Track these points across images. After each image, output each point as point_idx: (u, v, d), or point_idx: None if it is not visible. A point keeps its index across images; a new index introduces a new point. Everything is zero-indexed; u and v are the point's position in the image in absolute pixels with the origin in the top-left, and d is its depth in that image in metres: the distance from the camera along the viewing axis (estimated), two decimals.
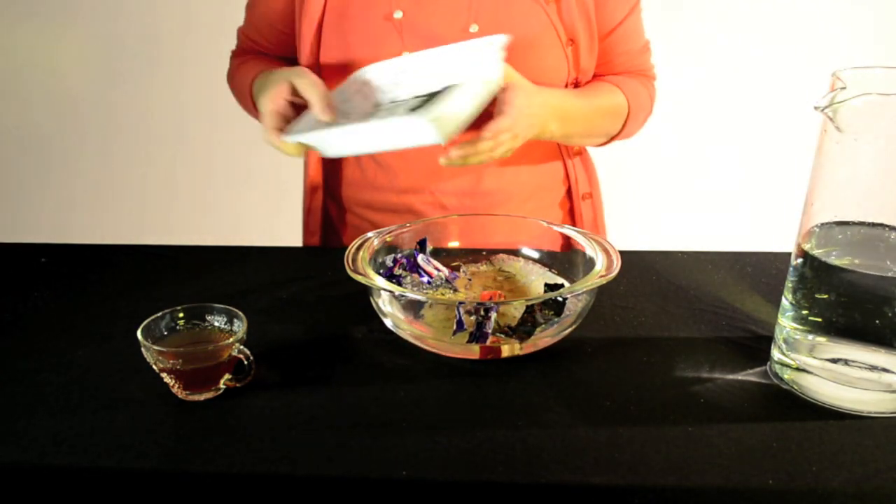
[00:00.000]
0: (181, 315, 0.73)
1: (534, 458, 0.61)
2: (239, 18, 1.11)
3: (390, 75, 0.93)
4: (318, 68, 0.98)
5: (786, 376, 0.71)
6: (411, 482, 0.59)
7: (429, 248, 0.89)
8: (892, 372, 0.66)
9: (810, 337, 0.69)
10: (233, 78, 1.10)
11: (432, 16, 0.95)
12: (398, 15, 0.94)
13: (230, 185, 2.26)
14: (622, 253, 0.81)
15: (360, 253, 0.81)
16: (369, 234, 0.86)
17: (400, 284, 0.84)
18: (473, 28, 0.95)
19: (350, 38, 0.95)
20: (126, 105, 2.18)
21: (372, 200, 1.08)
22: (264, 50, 1.10)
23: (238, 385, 0.69)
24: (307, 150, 0.91)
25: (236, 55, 1.13)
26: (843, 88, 0.62)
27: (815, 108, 0.64)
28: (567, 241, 0.88)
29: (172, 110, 2.19)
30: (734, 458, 0.61)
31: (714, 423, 0.66)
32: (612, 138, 1.07)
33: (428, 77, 0.90)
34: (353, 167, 1.09)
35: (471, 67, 0.87)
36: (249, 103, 1.04)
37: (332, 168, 1.11)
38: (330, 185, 1.12)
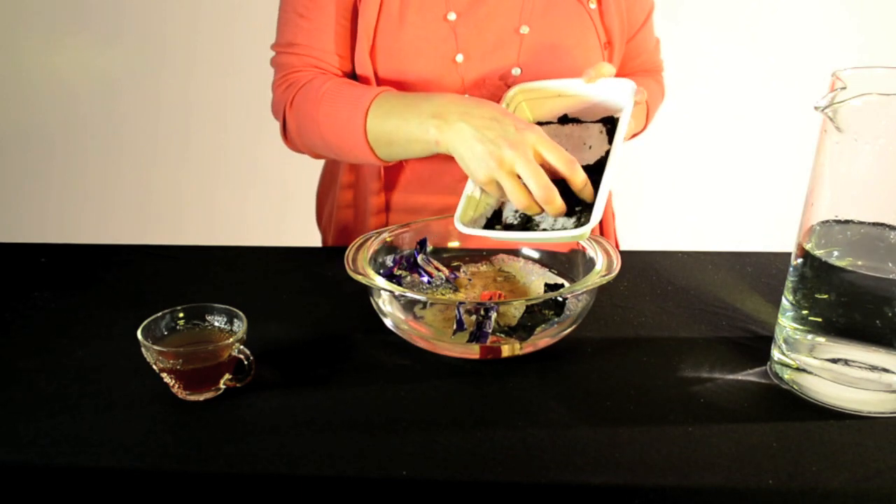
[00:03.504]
0: (181, 315, 0.73)
1: (534, 458, 0.61)
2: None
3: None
4: (373, 74, 0.97)
5: (786, 376, 0.71)
6: (411, 482, 0.59)
7: (429, 248, 0.89)
8: (892, 372, 0.66)
9: (810, 337, 0.69)
10: (317, 99, 0.91)
11: (485, 17, 0.96)
12: (452, 17, 0.95)
13: (231, 186, 2.26)
14: (622, 253, 0.81)
15: (360, 253, 0.81)
16: (369, 234, 0.86)
17: (400, 284, 0.84)
18: (524, 29, 0.97)
19: (405, 40, 0.95)
20: (127, 105, 2.18)
21: (416, 204, 1.06)
22: (325, 58, 0.97)
23: (238, 385, 0.69)
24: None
25: (289, 78, 0.96)
26: (843, 88, 0.62)
27: (815, 108, 0.64)
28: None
29: (173, 110, 2.19)
30: (734, 458, 0.61)
31: (714, 423, 0.66)
32: (634, 135, 1.12)
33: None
34: (420, 172, 1.04)
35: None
36: (358, 132, 0.87)
37: (392, 175, 1.05)
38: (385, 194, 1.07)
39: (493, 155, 0.75)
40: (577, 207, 0.78)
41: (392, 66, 0.96)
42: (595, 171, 0.80)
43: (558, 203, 0.76)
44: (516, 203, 0.76)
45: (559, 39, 0.99)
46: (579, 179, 0.76)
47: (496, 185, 0.77)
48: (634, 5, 1.05)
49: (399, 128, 0.84)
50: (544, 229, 0.78)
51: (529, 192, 0.75)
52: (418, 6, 0.95)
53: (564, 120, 0.89)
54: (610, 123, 0.86)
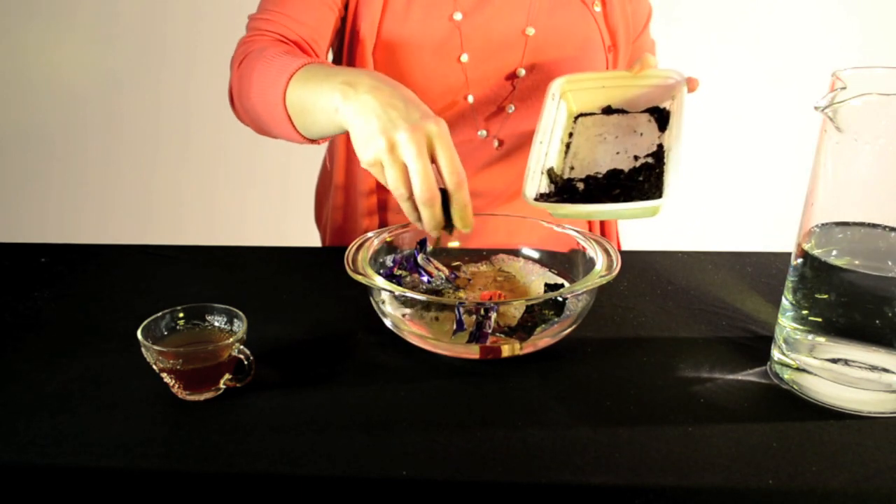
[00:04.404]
0: (181, 315, 0.73)
1: (534, 458, 0.61)
2: (245, 17, 1.05)
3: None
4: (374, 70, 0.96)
5: (786, 376, 0.71)
6: (411, 482, 0.59)
7: (429, 247, 0.89)
8: (892, 372, 0.66)
9: (810, 337, 0.69)
10: (258, 58, 0.87)
11: (491, 18, 0.96)
12: (458, 16, 0.95)
13: (231, 186, 2.26)
14: (622, 253, 0.81)
15: (360, 253, 0.81)
16: (369, 234, 0.86)
17: (400, 284, 0.84)
18: (530, 31, 0.97)
19: (409, 39, 0.95)
20: (127, 105, 2.18)
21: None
22: (299, 29, 0.94)
23: (238, 385, 0.69)
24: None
25: (253, 40, 0.93)
26: (843, 88, 0.62)
27: (815, 108, 0.64)
28: (567, 240, 0.88)
29: (172, 110, 2.19)
30: (734, 458, 0.61)
31: (714, 423, 0.66)
32: None
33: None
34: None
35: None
36: (278, 95, 0.82)
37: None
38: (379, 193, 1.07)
39: (385, 133, 0.68)
40: (617, 191, 0.79)
41: (394, 63, 0.96)
42: (656, 158, 0.81)
43: (437, 212, 0.69)
44: (393, 192, 0.70)
45: (564, 41, 0.99)
46: (461, 196, 0.69)
47: (380, 168, 0.70)
48: (638, 8, 1.05)
49: (312, 93, 0.78)
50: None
51: (410, 188, 0.69)
52: (424, 4, 0.95)
53: (609, 111, 0.90)
54: (657, 113, 0.87)
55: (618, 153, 0.85)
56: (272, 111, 0.84)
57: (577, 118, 0.92)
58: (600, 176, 0.83)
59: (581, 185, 0.83)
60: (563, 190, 0.83)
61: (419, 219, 0.73)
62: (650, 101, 0.89)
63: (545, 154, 0.86)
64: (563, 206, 0.78)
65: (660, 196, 0.74)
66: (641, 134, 0.86)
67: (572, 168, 0.86)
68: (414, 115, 0.69)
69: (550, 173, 0.84)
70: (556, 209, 0.78)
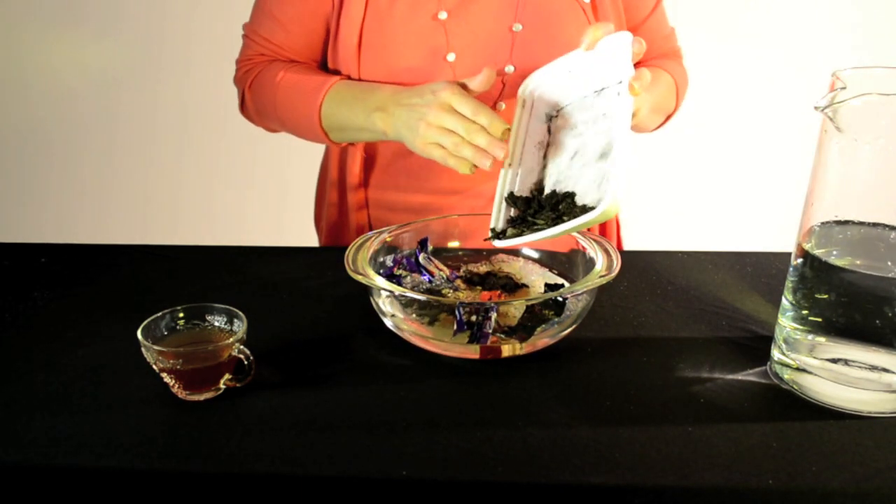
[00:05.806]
0: (181, 315, 0.73)
1: (534, 458, 0.61)
2: (243, 17, 1.07)
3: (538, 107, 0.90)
4: (357, 71, 0.97)
5: (786, 376, 0.71)
6: (411, 482, 0.59)
7: (429, 247, 0.89)
8: (892, 372, 0.66)
9: (810, 337, 0.69)
10: (274, 87, 0.99)
11: (477, 15, 0.96)
12: (443, 15, 0.94)
13: (231, 186, 2.26)
14: (622, 253, 0.81)
15: (360, 253, 0.81)
16: (369, 234, 0.86)
17: (400, 284, 0.84)
18: (517, 27, 0.96)
19: (394, 39, 0.95)
20: (126, 105, 2.18)
21: (409, 202, 1.06)
22: (288, 54, 1.03)
23: (238, 385, 0.69)
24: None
25: (253, 60, 1.04)
26: (843, 88, 0.62)
27: (815, 108, 0.64)
28: (567, 240, 0.88)
29: (172, 110, 2.19)
30: (734, 458, 0.61)
31: (714, 423, 0.66)
32: (668, 116, 1.10)
33: (573, 94, 0.88)
34: (396, 171, 1.05)
35: (609, 73, 0.84)
36: (313, 119, 0.95)
37: (372, 173, 1.07)
38: (368, 191, 1.09)
39: (421, 119, 0.83)
40: (583, 204, 0.78)
41: (379, 63, 0.96)
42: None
43: (483, 138, 0.79)
44: (457, 150, 0.81)
45: (553, 36, 0.98)
46: (483, 118, 0.80)
47: (435, 146, 0.83)
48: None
49: (349, 119, 0.93)
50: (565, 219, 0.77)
51: (462, 139, 0.81)
52: (407, 4, 0.94)
53: (557, 110, 0.88)
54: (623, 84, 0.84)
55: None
56: (306, 131, 0.99)
57: (550, 119, 0.91)
58: (559, 192, 0.82)
59: (547, 201, 0.81)
60: (524, 215, 0.82)
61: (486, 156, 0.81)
62: (614, 73, 0.85)
63: (508, 180, 0.85)
64: (524, 237, 0.77)
65: (602, 202, 0.71)
66: (607, 114, 0.84)
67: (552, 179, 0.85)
68: (427, 96, 0.84)
69: (511, 199, 0.84)
70: (521, 241, 0.78)
